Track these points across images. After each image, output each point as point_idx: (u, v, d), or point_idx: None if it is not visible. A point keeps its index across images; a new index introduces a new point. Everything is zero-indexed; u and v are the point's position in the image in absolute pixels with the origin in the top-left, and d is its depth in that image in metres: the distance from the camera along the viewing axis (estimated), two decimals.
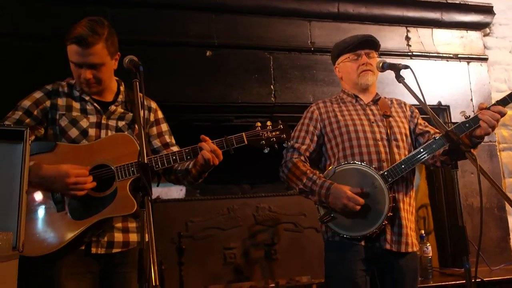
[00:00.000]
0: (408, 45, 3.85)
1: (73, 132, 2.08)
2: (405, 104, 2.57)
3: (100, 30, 2.02)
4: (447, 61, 3.94)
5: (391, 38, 3.81)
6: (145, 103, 2.27)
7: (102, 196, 1.99)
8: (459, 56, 3.97)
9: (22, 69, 2.91)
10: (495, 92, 4.02)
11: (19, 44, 2.95)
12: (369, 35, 2.49)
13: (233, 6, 3.41)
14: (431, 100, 3.78)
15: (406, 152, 2.37)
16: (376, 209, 2.21)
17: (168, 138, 2.30)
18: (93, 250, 2.00)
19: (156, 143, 2.27)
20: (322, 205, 2.32)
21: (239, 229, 3.64)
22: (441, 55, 3.92)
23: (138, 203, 1.67)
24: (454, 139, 1.98)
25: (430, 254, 3.44)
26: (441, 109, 3.89)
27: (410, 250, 2.27)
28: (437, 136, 2.23)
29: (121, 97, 2.22)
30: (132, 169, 1.98)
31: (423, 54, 3.87)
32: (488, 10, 4.03)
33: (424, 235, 3.51)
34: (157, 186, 2.26)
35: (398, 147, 2.37)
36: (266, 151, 2.11)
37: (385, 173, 2.23)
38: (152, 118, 2.29)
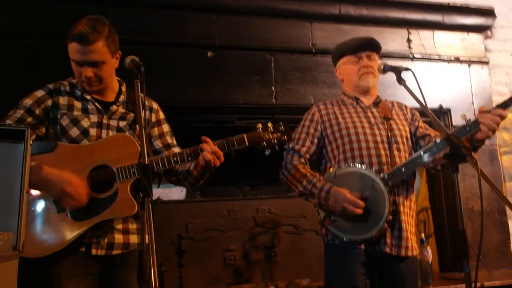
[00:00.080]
0: (410, 47, 3.85)
1: (74, 132, 2.07)
2: (406, 106, 2.57)
3: (100, 28, 2.01)
4: (448, 63, 3.95)
5: (392, 40, 3.81)
6: (147, 103, 2.27)
7: (102, 197, 1.98)
8: (460, 58, 3.97)
9: (22, 69, 2.91)
10: (496, 95, 4.02)
11: (19, 43, 2.95)
12: (370, 38, 2.49)
13: (235, 7, 3.41)
14: (432, 103, 3.78)
15: (407, 155, 2.37)
16: (376, 212, 2.21)
17: (169, 139, 2.29)
18: (93, 251, 1.99)
19: (158, 144, 2.26)
20: (322, 208, 2.31)
21: (239, 231, 3.64)
22: (442, 57, 3.92)
23: (139, 204, 1.66)
24: (455, 143, 1.97)
25: (430, 258, 3.43)
26: (442, 112, 3.89)
27: (410, 254, 2.27)
28: (438, 139, 2.23)
29: (122, 97, 2.21)
30: (133, 170, 1.97)
31: (424, 56, 3.88)
32: (489, 13, 4.03)
33: (424, 238, 3.50)
34: (158, 187, 2.25)
35: (398, 150, 2.36)
36: (267, 153, 2.10)
37: (386, 176, 2.23)
38: (153, 119, 2.28)
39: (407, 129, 2.47)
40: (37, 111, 2.06)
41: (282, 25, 3.54)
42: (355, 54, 2.44)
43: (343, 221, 2.24)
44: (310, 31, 3.61)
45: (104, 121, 2.12)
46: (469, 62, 4.00)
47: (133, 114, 2.19)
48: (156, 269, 1.45)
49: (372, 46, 2.46)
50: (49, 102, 2.10)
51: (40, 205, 1.97)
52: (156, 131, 2.28)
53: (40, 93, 2.11)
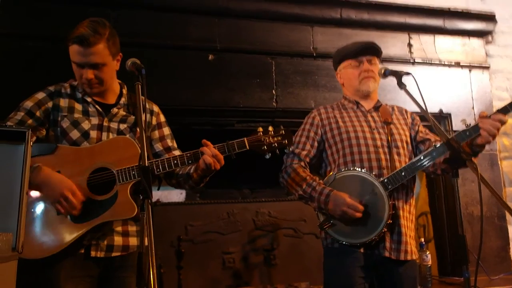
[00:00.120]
0: (410, 52, 3.86)
1: (75, 134, 2.07)
2: (406, 111, 2.57)
3: (101, 30, 2.02)
4: (449, 68, 3.94)
5: (393, 44, 3.81)
6: (148, 106, 2.27)
7: (102, 200, 1.98)
8: (461, 63, 3.97)
9: (22, 70, 2.91)
10: (496, 100, 4.01)
11: (19, 44, 2.95)
12: (371, 42, 2.49)
13: (236, 11, 3.41)
14: (432, 107, 3.77)
15: (407, 160, 2.37)
16: (375, 216, 2.21)
17: (170, 142, 2.29)
18: (93, 253, 2.00)
19: (158, 146, 2.27)
20: (321, 211, 2.31)
21: (238, 234, 3.63)
22: (443, 62, 3.92)
23: (139, 207, 1.66)
24: (455, 147, 1.98)
25: (430, 263, 3.42)
26: (442, 117, 3.89)
27: (409, 258, 2.27)
28: (438, 143, 2.23)
29: (123, 100, 2.22)
30: (133, 172, 1.98)
31: (425, 61, 3.88)
32: (490, 18, 4.03)
33: (423, 243, 3.49)
34: (158, 189, 2.25)
35: (398, 154, 2.36)
36: (267, 156, 2.11)
37: (385, 180, 2.23)
38: (154, 122, 2.29)
39: (407, 133, 2.47)
40: (37, 113, 2.06)
41: (283, 29, 3.54)
42: (356, 58, 2.45)
43: (342, 225, 2.25)
44: (311, 35, 3.62)
45: (105, 124, 2.13)
46: (470, 67, 4.00)
47: (133, 117, 2.19)
48: (155, 271, 1.45)
49: (373, 50, 2.46)
50: (50, 104, 2.10)
51: (40, 207, 1.97)
52: (156, 134, 2.28)
53: (40, 95, 2.11)
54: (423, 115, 2.08)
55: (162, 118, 2.33)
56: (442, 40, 3.96)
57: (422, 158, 2.24)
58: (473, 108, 3.94)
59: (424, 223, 4.00)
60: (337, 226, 2.26)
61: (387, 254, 2.22)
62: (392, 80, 2.26)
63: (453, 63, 3.95)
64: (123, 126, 2.16)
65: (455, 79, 3.94)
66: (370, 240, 2.20)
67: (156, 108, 2.32)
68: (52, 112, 2.09)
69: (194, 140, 2.10)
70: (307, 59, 3.58)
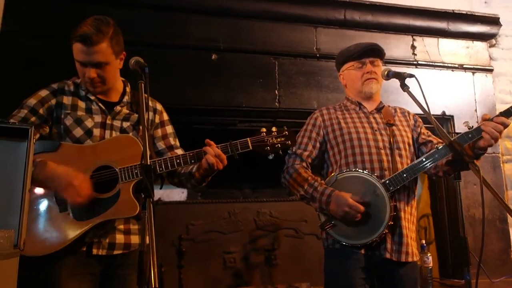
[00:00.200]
0: (414, 54, 3.86)
1: (78, 132, 2.07)
2: (408, 113, 2.57)
3: (105, 29, 2.01)
4: (452, 71, 3.95)
5: (396, 46, 3.81)
6: (151, 104, 2.27)
7: (105, 198, 1.99)
8: (464, 66, 3.97)
9: (22, 69, 2.91)
10: (499, 103, 4.01)
11: (19, 41, 2.95)
12: (374, 44, 2.48)
13: (239, 11, 3.42)
14: (435, 109, 3.78)
15: (409, 161, 2.36)
16: (377, 217, 2.21)
17: (172, 140, 2.29)
18: (94, 251, 2.00)
19: (161, 145, 2.27)
20: (322, 212, 2.31)
21: (239, 234, 3.64)
22: (446, 64, 3.92)
23: (141, 205, 1.66)
24: (458, 150, 1.97)
25: (431, 265, 3.42)
26: (445, 119, 3.89)
27: (410, 259, 2.26)
28: (440, 145, 2.23)
29: (126, 98, 2.22)
30: (136, 171, 1.98)
31: (429, 63, 3.88)
32: (494, 21, 4.03)
33: (425, 245, 3.50)
34: (160, 189, 2.26)
35: (400, 156, 2.36)
36: (270, 157, 2.10)
37: (387, 181, 2.23)
38: (157, 120, 2.29)
39: (410, 135, 2.47)
40: (41, 111, 2.06)
41: (286, 29, 3.54)
42: (359, 60, 2.45)
43: (343, 226, 2.25)
44: (315, 36, 3.62)
45: (108, 122, 2.13)
46: (473, 70, 4.00)
47: (137, 115, 2.19)
48: (156, 270, 1.46)
49: (375, 52, 2.46)
50: (53, 101, 2.10)
51: (42, 204, 1.98)
52: (159, 132, 2.28)
53: (44, 92, 2.11)
54: (426, 117, 2.07)
55: (165, 116, 2.33)
56: (446, 43, 3.96)
57: (424, 160, 2.24)
58: (476, 110, 3.94)
59: (425, 225, 4.00)
60: (338, 227, 2.26)
61: (388, 255, 2.22)
62: (395, 82, 2.26)
63: (457, 66, 3.95)
64: (126, 124, 2.16)
65: (459, 81, 3.94)
66: (371, 241, 2.20)
67: (159, 106, 2.32)
68: (55, 110, 2.09)
69: (196, 140, 2.10)
70: (310, 59, 3.58)
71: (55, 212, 1.96)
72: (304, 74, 3.55)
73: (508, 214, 1.79)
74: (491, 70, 4.06)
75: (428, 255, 3.43)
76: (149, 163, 1.68)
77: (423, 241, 3.54)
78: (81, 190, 1.91)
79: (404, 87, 2.18)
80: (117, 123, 2.15)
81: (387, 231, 2.21)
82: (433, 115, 2.05)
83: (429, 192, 4.02)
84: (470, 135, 2.16)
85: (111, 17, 2.12)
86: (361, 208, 2.18)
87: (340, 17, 3.65)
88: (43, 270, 1.93)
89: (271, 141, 2.09)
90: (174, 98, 3.18)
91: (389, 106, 2.56)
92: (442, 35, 3.94)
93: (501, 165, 3.94)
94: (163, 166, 2.02)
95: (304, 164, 2.40)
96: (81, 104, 2.13)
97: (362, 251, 2.24)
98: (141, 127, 2.12)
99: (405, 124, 2.49)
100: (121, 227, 2.06)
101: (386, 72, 2.31)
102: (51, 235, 1.94)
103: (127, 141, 2.07)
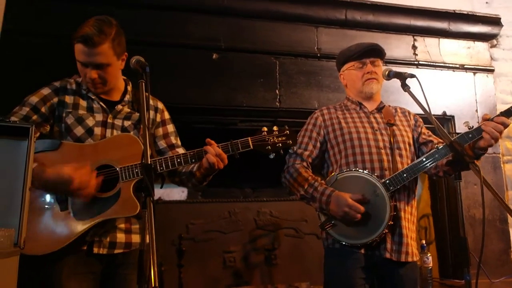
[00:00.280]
0: (415, 54, 3.85)
1: (79, 130, 2.07)
2: (409, 113, 2.57)
3: (107, 30, 2.00)
4: (453, 71, 3.94)
5: (397, 46, 3.81)
6: (152, 103, 2.27)
7: (105, 197, 1.98)
8: (465, 66, 3.97)
9: (22, 68, 2.90)
10: (500, 104, 4.01)
11: (20, 40, 2.95)
12: (374, 44, 2.48)
13: (240, 10, 3.41)
14: (436, 109, 3.78)
15: (409, 161, 2.36)
16: (377, 217, 2.21)
17: (173, 139, 2.29)
18: (95, 250, 2.00)
19: (162, 144, 2.27)
20: (323, 212, 2.31)
21: (239, 233, 3.64)
22: (447, 65, 3.92)
23: (141, 205, 1.66)
24: (459, 150, 1.97)
25: (431, 265, 3.42)
26: (446, 119, 3.89)
27: (410, 259, 2.26)
28: (440, 145, 2.23)
29: (128, 97, 2.21)
30: (136, 170, 1.98)
31: (429, 63, 3.88)
32: (495, 21, 4.02)
33: (425, 245, 3.50)
34: (161, 188, 2.26)
35: (401, 155, 2.36)
36: (271, 156, 2.10)
37: (387, 181, 2.23)
38: (158, 119, 2.29)
39: (410, 135, 2.46)
40: (42, 109, 2.06)
41: (287, 29, 3.54)
42: (359, 60, 2.45)
43: (343, 226, 2.25)
44: (316, 36, 3.62)
45: (109, 120, 2.13)
46: (474, 70, 4.00)
47: (138, 114, 2.19)
48: (156, 269, 1.46)
49: (376, 52, 2.46)
50: (55, 100, 2.09)
51: (43, 203, 1.98)
52: (160, 131, 2.28)
53: (46, 90, 2.10)
54: (427, 117, 2.07)
55: (167, 115, 2.33)
56: (447, 43, 3.96)
57: (424, 159, 2.24)
58: (476, 111, 3.94)
59: (425, 225, 4.00)
60: (338, 227, 2.26)
61: (387, 255, 2.22)
62: (396, 82, 2.26)
63: (458, 66, 3.95)
64: (127, 123, 2.16)
65: (459, 81, 3.94)
66: (371, 241, 2.20)
67: (160, 105, 2.32)
68: (57, 108, 2.09)
69: (197, 139, 2.10)
70: (311, 59, 3.58)
71: (56, 210, 1.96)
72: (305, 73, 3.55)
73: (508, 214, 1.79)
74: (492, 71, 4.06)
75: (428, 255, 3.44)
76: (149, 162, 1.68)
77: (423, 241, 3.54)
78: (84, 189, 1.90)
79: (405, 87, 2.18)
80: (118, 122, 2.15)
81: (387, 231, 2.21)
82: (433, 115, 2.06)
83: (429, 192, 4.02)
84: (470, 135, 2.16)
85: (112, 16, 2.11)
86: (361, 208, 2.18)
87: (341, 17, 3.65)
88: (44, 269, 1.93)
89: (272, 140, 2.09)
90: (174, 98, 3.18)
91: (389, 106, 2.56)
92: (443, 35, 3.94)
93: (502, 165, 3.94)
94: (164, 165, 2.02)
95: (304, 163, 2.40)
96: (83, 102, 2.13)
97: (362, 251, 2.24)
98: (142, 126, 2.11)
99: (405, 124, 2.49)
100: (122, 226, 2.06)
101: (387, 72, 2.31)
102: (52, 234, 1.94)
103: (128, 140, 2.07)
